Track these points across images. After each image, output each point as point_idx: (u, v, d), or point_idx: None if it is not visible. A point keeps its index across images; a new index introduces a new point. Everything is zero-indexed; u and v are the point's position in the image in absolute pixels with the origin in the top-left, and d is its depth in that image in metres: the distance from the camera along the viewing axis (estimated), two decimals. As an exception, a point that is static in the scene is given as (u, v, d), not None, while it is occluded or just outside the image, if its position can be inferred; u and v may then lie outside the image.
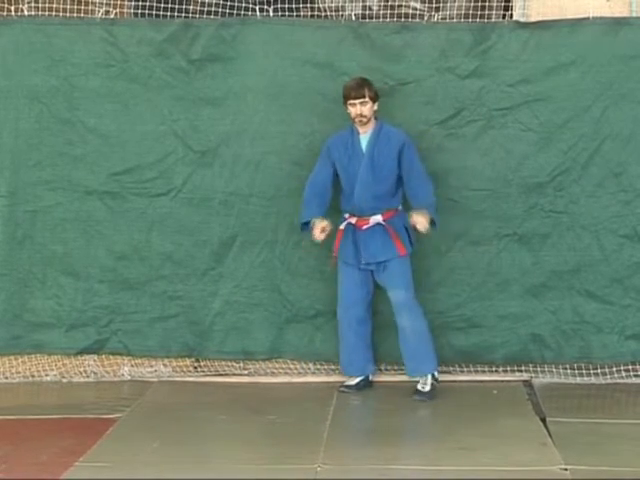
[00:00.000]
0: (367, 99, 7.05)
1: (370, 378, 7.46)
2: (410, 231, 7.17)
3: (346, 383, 7.42)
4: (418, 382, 7.18)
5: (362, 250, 7.15)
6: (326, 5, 8.14)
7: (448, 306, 7.50)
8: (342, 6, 8.16)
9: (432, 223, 7.00)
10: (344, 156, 7.19)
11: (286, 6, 7.63)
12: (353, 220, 7.19)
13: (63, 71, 7.64)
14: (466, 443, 6.21)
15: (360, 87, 7.07)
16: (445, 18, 7.77)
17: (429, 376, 7.17)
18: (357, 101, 7.05)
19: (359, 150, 7.17)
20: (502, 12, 7.86)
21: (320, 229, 7.10)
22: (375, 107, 7.13)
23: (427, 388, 7.13)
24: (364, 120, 7.08)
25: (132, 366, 7.94)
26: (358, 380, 7.40)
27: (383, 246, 7.12)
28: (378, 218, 7.13)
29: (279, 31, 7.56)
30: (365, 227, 7.14)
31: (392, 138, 7.13)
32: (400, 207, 7.21)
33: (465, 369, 7.64)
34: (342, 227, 7.24)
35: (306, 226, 7.21)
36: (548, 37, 7.41)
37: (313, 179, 7.27)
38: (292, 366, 7.87)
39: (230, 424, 6.75)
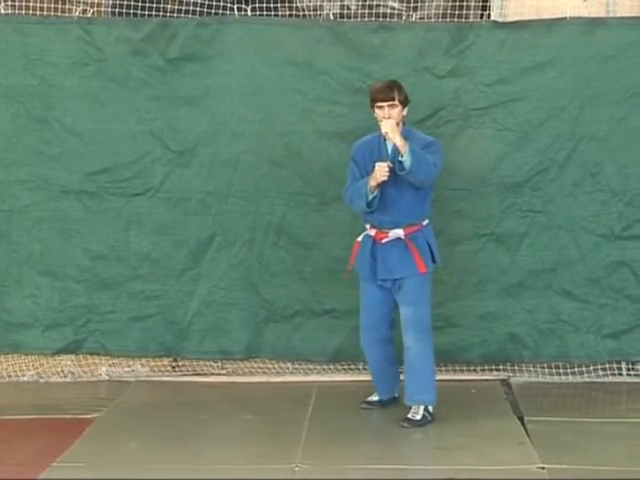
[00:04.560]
0: (396, 102, 6.53)
1: (396, 395, 7.04)
2: (433, 247, 6.73)
3: (368, 399, 7.06)
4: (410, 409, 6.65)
5: (379, 265, 6.65)
6: (304, 4, 8.13)
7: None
8: (320, 5, 8.15)
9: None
10: (369, 161, 6.63)
11: (264, 5, 7.61)
12: (372, 232, 6.71)
13: (40, 70, 7.61)
14: (444, 442, 6.23)
15: (389, 89, 6.57)
16: (423, 18, 7.79)
17: (422, 407, 6.60)
18: (385, 104, 6.51)
19: (385, 155, 6.60)
20: (480, 12, 7.87)
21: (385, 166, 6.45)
22: (404, 112, 6.63)
23: (417, 417, 6.58)
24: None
25: (110, 366, 7.92)
26: (384, 397, 7.05)
27: (401, 262, 6.61)
28: (399, 232, 6.61)
29: (257, 30, 7.55)
30: (384, 241, 6.64)
31: (416, 143, 6.52)
32: (425, 222, 6.73)
33: (443, 368, 7.64)
34: (360, 239, 6.80)
35: (371, 204, 6.54)
36: (525, 37, 7.43)
37: (349, 187, 6.75)
38: (270, 366, 7.87)
39: (208, 424, 6.75)
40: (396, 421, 6.65)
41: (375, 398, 7.04)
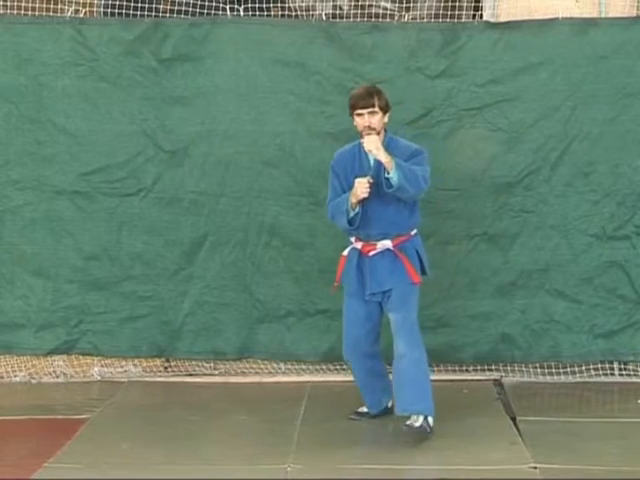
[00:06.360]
0: (376, 109, 6.20)
1: (389, 406, 6.70)
2: (423, 256, 6.44)
3: (358, 410, 6.81)
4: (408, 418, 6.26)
5: (368, 279, 6.34)
6: (296, 5, 8.14)
7: (418, 305, 7.49)
8: (312, 6, 8.16)
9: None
10: (350, 174, 6.30)
11: (257, 5, 7.62)
12: (359, 245, 6.41)
13: (32, 70, 7.61)
14: (436, 442, 6.22)
15: (369, 96, 6.23)
16: (415, 18, 7.80)
17: (421, 417, 6.20)
18: (365, 111, 6.19)
19: (366, 167, 6.28)
20: (472, 12, 7.88)
21: (365, 182, 6.13)
22: (386, 119, 6.29)
23: (417, 424, 6.19)
24: (372, 133, 6.17)
25: (102, 366, 7.92)
26: (374, 411, 6.78)
27: (392, 273, 6.31)
28: (387, 243, 6.31)
29: (250, 31, 7.56)
30: (372, 253, 6.34)
31: (401, 152, 6.23)
32: (414, 232, 6.46)
33: (435, 368, 7.63)
34: (345, 253, 6.50)
35: (352, 221, 6.25)
36: (518, 37, 7.44)
37: (330, 201, 6.45)
38: (263, 366, 7.87)
39: (200, 424, 6.74)
40: (387, 422, 6.65)
41: (365, 410, 6.81)
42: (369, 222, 6.29)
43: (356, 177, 6.23)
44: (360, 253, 6.42)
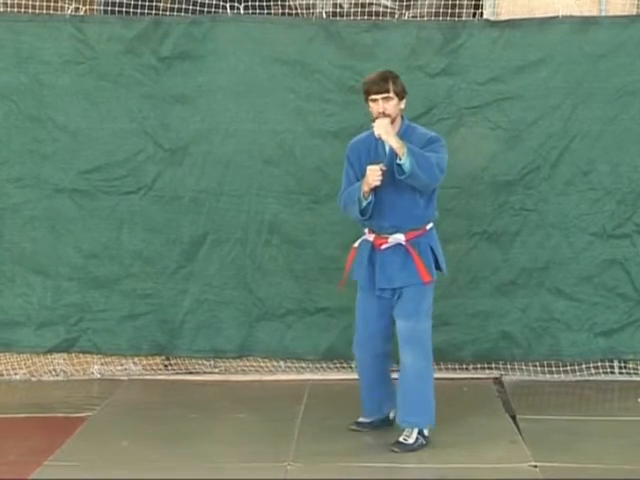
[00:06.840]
0: (391, 94, 5.94)
1: (390, 416, 6.45)
2: (438, 253, 6.23)
3: (359, 420, 6.51)
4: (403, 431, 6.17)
5: (377, 273, 6.11)
6: (297, 3, 8.12)
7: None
8: (313, 4, 8.14)
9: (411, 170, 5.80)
10: (365, 162, 6.04)
11: (257, 4, 7.62)
12: (371, 237, 6.17)
13: (32, 68, 7.61)
14: (436, 441, 6.21)
15: (383, 80, 5.97)
16: (415, 16, 7.78)
17: (416, 430, 6.12)
18: (379, 96, 5.93)
19: (382, 155, 6.04)
20: (472, 11, 7.87)
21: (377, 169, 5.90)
22: (402, 105, 6.05)
23: (410, 440, 6.09)
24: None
25: (102, 364, 7.92)
26: (373, 419, 6.49)
27: (402, 270, 6.06)
28: (399, 237, 6.06)
29: (250, 29, 7.56)
30: (383, 247, 6.10)
31: (418, 140, 6.00)
32: (429, 226, 6.23)
33: (435, 367, 7.52)
34: (356, 244, 6.29)
35: (365, 211, 6.02)
36: (518, 36, 7.45)
37: (344, 191, 6.22)
38: (263, 364, 7.87)
39: (200, 422, 6.74)
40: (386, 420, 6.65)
41: (366, 420, 6.50)
42: (382, 213, 6.05)
43: (371, 165, 5.99)
44: (372, 246, 6.17)
